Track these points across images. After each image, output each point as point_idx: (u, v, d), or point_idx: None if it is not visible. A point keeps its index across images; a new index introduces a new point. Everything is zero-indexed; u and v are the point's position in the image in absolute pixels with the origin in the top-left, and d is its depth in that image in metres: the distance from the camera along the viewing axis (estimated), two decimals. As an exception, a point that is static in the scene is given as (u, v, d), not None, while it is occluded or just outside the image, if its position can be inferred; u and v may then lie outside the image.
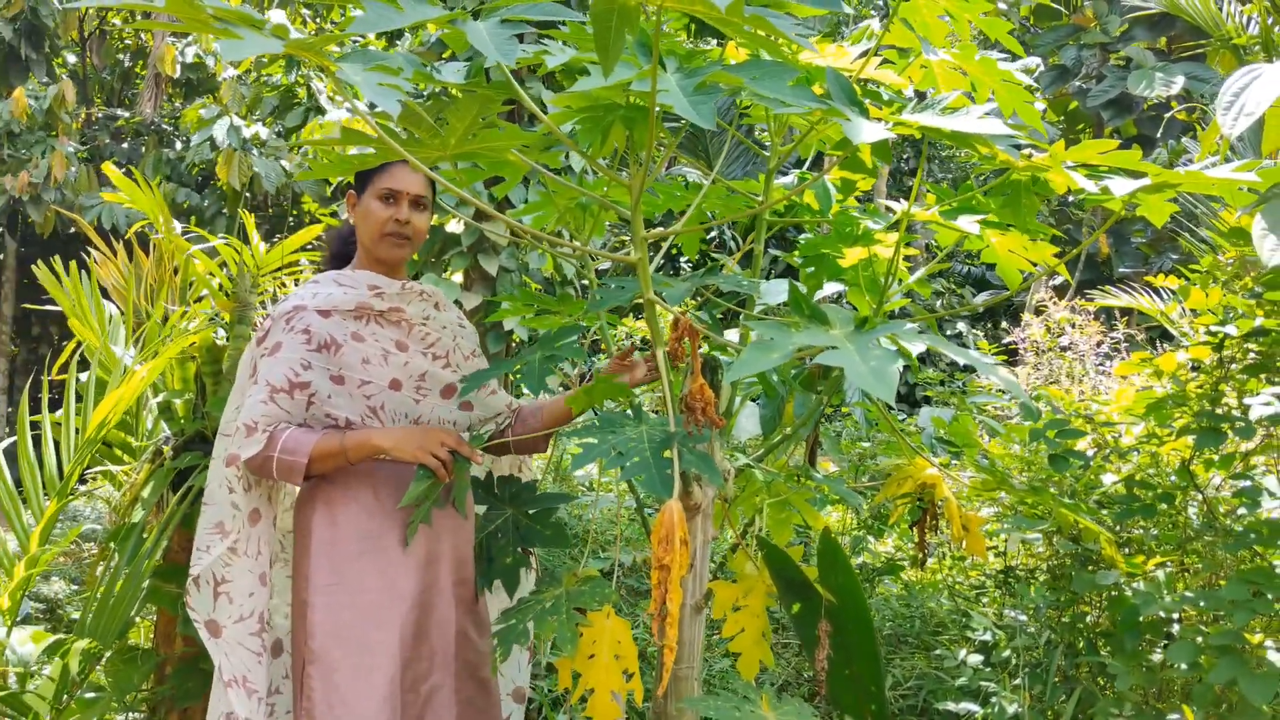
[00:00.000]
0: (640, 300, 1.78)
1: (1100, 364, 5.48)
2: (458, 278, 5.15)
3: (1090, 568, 2.15)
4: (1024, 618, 2.27)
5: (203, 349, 2.46)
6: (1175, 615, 1.84)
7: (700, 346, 1.71)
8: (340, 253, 1.96)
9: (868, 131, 1.40)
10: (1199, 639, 1.76)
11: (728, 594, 1.87)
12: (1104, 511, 2.14)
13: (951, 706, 1.97)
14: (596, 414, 2.17)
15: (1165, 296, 4.98)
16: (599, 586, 1.84)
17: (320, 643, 1.69)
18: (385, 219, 1.81)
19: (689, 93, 1.40)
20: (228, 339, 2.53)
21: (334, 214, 9.03)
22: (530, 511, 1.98)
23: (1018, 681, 2.00)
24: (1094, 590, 1.94)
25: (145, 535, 2.36)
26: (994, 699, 2.00)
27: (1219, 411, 1.82)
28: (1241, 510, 1.78)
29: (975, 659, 2.08)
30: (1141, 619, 1.88)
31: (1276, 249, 1.36)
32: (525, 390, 1.75)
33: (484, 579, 1.95)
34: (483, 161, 1.83)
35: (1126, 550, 2.18)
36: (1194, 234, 3.86)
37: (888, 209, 2.16)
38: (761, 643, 1.84)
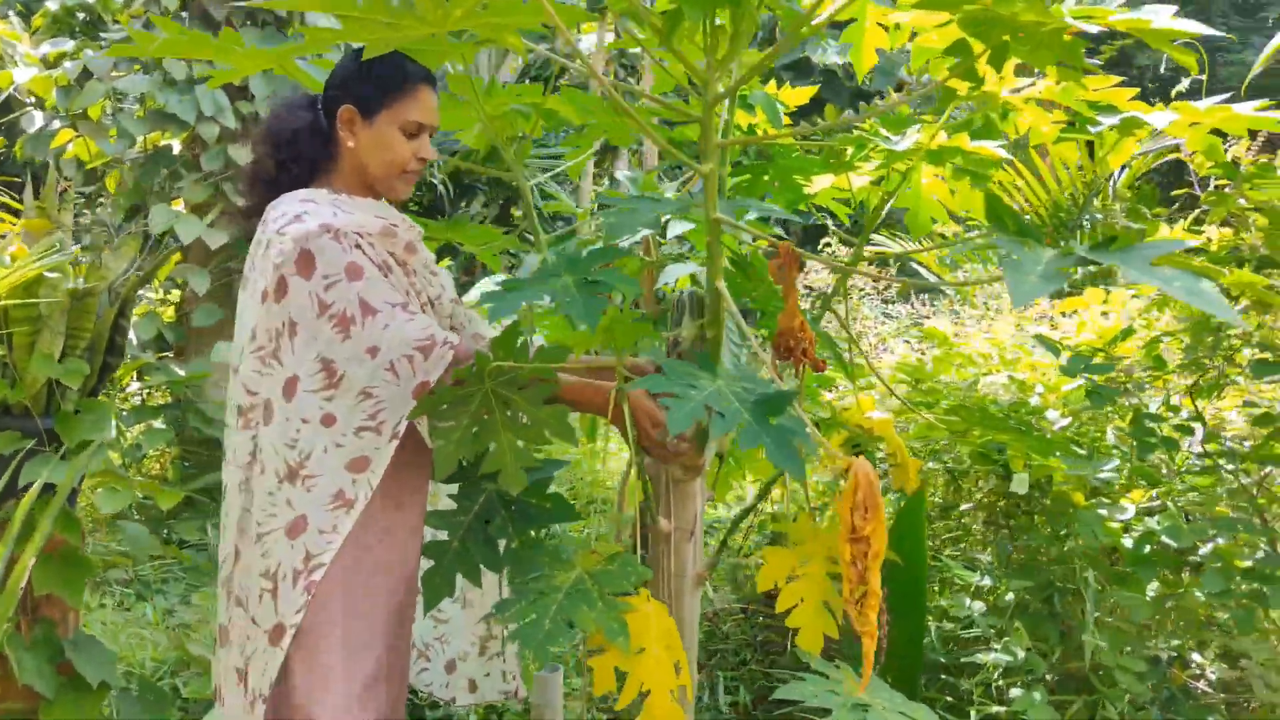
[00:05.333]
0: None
1: (884, 310, 5.77)
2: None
3: (1058, 506, 2.15)
4: (989, 559, 2.25)
5: (15, 289, 1.80)
6: (1192, 546, 1.86)
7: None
8: (300, 176, 1.50)
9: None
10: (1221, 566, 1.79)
11: (782, 562, 1.64)
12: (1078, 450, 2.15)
13: (980, 658, 1.89)
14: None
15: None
16: (627, 564, 1.53)
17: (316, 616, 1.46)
18: (409, 156, 1.50)
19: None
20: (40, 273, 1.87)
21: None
22: None
23: (1017, 625, 1.96)
24: (1094, 528, 1.92)
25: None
26: (996, 647, 1.94)
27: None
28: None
29: (979, 606, 2.02)
30: (1148, 551, 1.89)
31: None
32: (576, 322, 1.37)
33: (485, 571, 1.58)
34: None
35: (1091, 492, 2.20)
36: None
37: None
38: (824, 613, 1.63)
